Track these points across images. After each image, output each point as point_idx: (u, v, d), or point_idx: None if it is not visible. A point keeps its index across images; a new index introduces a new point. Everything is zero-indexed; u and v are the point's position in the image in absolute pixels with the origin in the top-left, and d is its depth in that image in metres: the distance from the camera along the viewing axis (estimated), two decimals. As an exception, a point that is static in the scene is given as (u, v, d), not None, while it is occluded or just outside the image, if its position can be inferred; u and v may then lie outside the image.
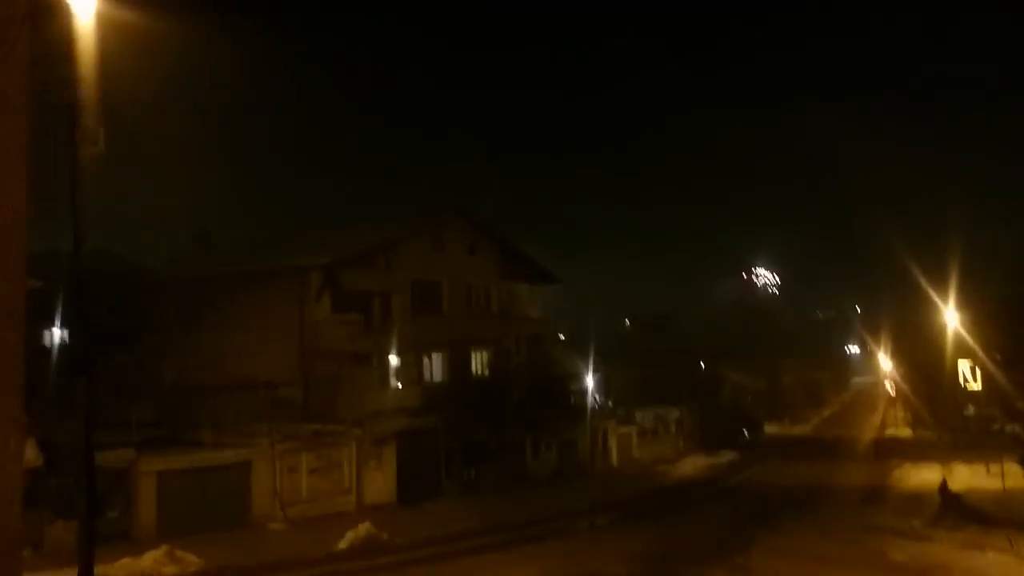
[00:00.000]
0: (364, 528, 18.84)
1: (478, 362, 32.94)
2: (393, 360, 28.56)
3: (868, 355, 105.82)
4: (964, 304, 35.47)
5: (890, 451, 42.39)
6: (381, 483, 24.37)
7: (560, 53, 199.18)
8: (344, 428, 24.18)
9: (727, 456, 40.73)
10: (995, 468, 28.06)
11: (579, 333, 43.89)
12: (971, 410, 40.88)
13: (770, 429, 57.39)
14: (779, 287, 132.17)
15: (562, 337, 44.89)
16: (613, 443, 37.29)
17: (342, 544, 18.41)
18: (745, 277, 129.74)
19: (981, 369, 34.42)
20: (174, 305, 29.80)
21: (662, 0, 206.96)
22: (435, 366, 30.94)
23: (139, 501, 19.43)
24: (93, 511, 9.32)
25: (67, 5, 10.11)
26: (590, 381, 37.86)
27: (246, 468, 21.35)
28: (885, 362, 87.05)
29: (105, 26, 10.45)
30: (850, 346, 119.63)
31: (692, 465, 37.84)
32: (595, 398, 38.56)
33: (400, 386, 28.69)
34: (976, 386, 37.61)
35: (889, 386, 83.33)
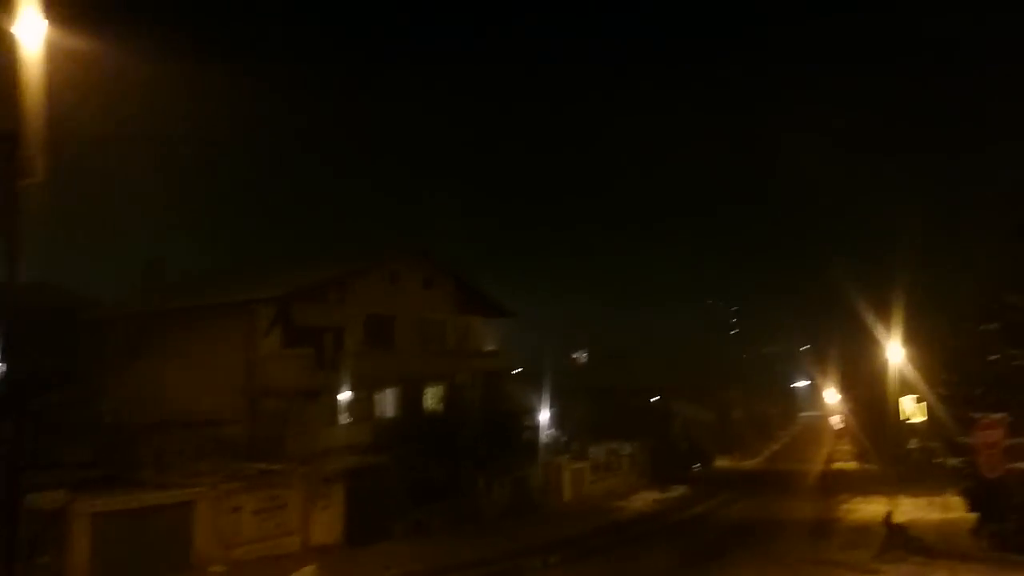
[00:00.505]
0: (309, 570, 18.36)
1: (431, 398, 32.55)
2: (343, 396, 28.06)
3: (814, 390, 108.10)
4: (908, 340, 36.51)
5: (837, 484, 43.07)
6: (328, 523, 23.74)
7: (527, 89, 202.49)
8: (291, 467, 23.57)
9: (679, 490, 40.91)
10: (937, 500, 28.69)
11: (534, 368, 43.85)
12: (914, 444, 41.85)
13: (720, 463, 57.99)
14: (733, 321, 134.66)
15: (517, 372, 44.78)
16: (567, 478, 37.09)
17: (287, 587, 17.87)
18: (698, 311, 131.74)
19: (924, 404, 35.31)
20: (117, 340, 28.93)
21: (630, 42, 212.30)
22: (387, 402, 30.47)
23: (73, 545, 18.50)
24: (14, 556, 8.88)
25: (11, 34, 9.87)
26: (544, 416, 37.75)
27: (187, 509, 20.58)
28: (831, 396, 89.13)
29: (56, 55, 10.16)
30: (797, 381, 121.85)
31: (644, 500, 37.89)
32: (549, 433, 38.43)
33: (350, 422, 28.16)
34: (919, 419, 38.52)
35: (835, 420, 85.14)
